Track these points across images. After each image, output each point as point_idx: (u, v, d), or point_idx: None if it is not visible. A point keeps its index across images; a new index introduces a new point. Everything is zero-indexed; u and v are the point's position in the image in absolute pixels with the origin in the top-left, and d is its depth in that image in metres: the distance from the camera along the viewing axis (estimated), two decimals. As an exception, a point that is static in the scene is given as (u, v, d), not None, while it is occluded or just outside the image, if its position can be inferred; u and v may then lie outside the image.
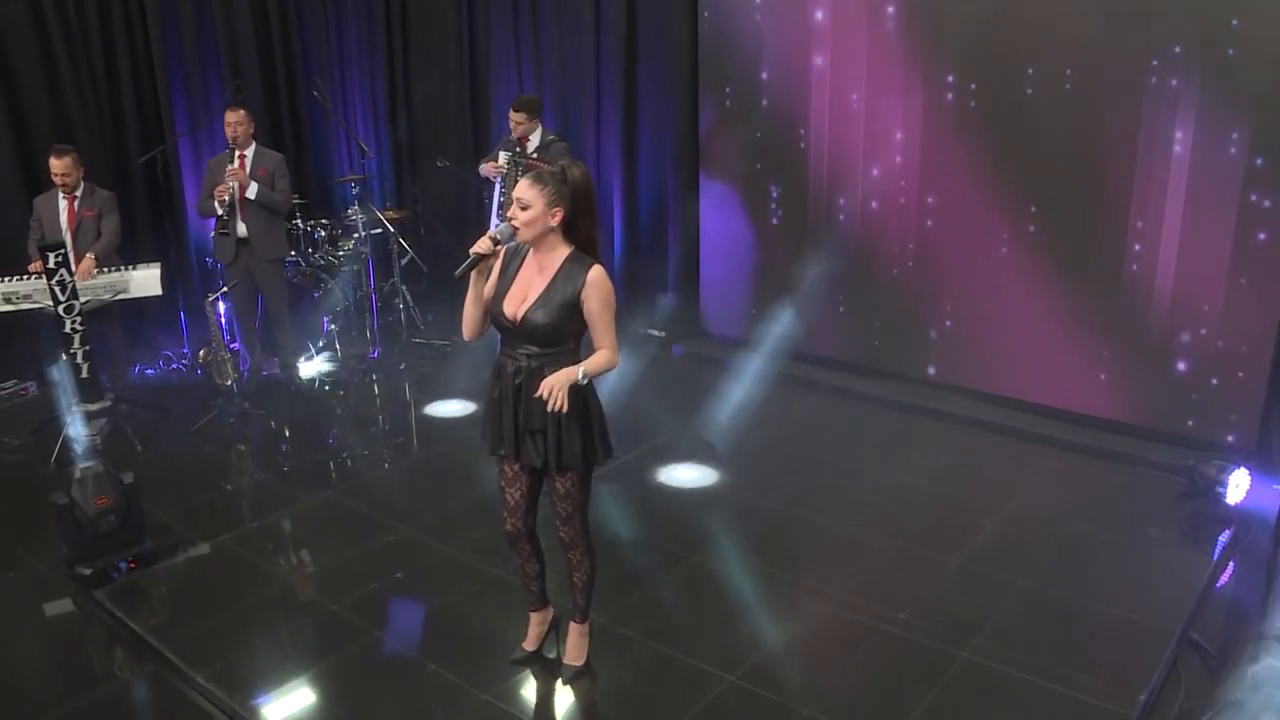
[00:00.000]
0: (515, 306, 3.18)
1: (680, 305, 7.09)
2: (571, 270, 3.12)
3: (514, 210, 3.11)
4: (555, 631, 3.69)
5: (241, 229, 6.04)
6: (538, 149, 6.18)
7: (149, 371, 6.82)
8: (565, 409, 3.03)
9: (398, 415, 6.19)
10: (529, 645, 3.66)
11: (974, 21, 5.41)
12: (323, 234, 7.02)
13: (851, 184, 6.08)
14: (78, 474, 4.38)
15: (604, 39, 6.91)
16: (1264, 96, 4.65)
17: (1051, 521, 4.63)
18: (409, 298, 7.41)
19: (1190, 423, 5.15)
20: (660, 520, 4.76)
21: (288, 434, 5.91)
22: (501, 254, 3.25)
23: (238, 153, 6.01)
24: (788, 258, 6.38)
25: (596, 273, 3.11)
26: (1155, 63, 4.89)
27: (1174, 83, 4.86)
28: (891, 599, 4.00)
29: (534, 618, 3.67)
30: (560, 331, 3.13)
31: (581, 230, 3.17)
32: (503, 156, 6.22)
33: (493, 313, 3.23)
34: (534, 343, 3.17)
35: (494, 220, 6.30)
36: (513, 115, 6.20)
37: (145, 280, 5.68)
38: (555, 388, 3.03)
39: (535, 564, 3.55)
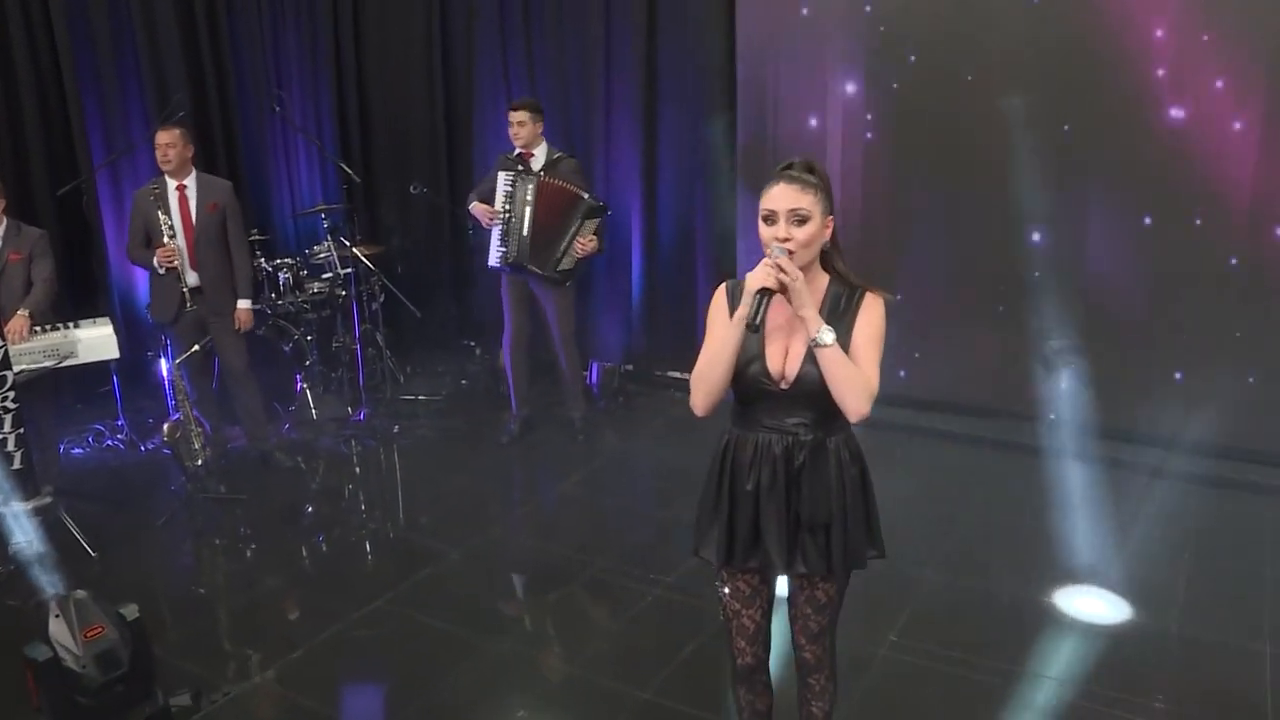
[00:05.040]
0: (780, 362, 2.33)
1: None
2: (840, 304, 2.32)
3: (782, 230, 2.24)
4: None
5: (192, 277, 4.87)
6: (544, 167, 5.23)
7: (76, 451, 5.49)
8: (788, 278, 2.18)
9: (419, 493, 5.06)
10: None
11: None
12: (287, 276, 5.86)
13: (930, 200, 5.43)
14: (54, 611, 3.21)
15: (616, 33, 6.06)
16: None
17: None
18: (386, 348, 6.32)
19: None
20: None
21: (286, 524, 4.74)
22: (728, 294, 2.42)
23: (175, 184, 4.84)
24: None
25: (874, 298, 2.34)
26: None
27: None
28: (1220, 706, 3.23)
29: (761, 761, 2.79)
30: None
31: (833, 248, 2.37)
32: (502, 178, 5.20)
33: (749, 378, 2.34)
34: (809, 408, 2.33)
35: (495, 249, 5.26)
36: (513, 116, 5.19)
37: (97, 342, 4.47)
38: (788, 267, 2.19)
39: (768, 697, 2.71)
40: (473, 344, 7.08)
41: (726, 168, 5.96)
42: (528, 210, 5.11)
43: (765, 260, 2.23)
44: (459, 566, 4.25)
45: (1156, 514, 4.53)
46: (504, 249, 5.22)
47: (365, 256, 6.01)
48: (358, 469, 5.36)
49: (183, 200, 4.84)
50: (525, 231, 5.11)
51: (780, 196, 2.25)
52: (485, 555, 4.38)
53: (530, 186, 5.09)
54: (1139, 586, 3.90)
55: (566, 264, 5.13)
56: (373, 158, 7.07)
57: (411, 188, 6.50)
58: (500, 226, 5.21)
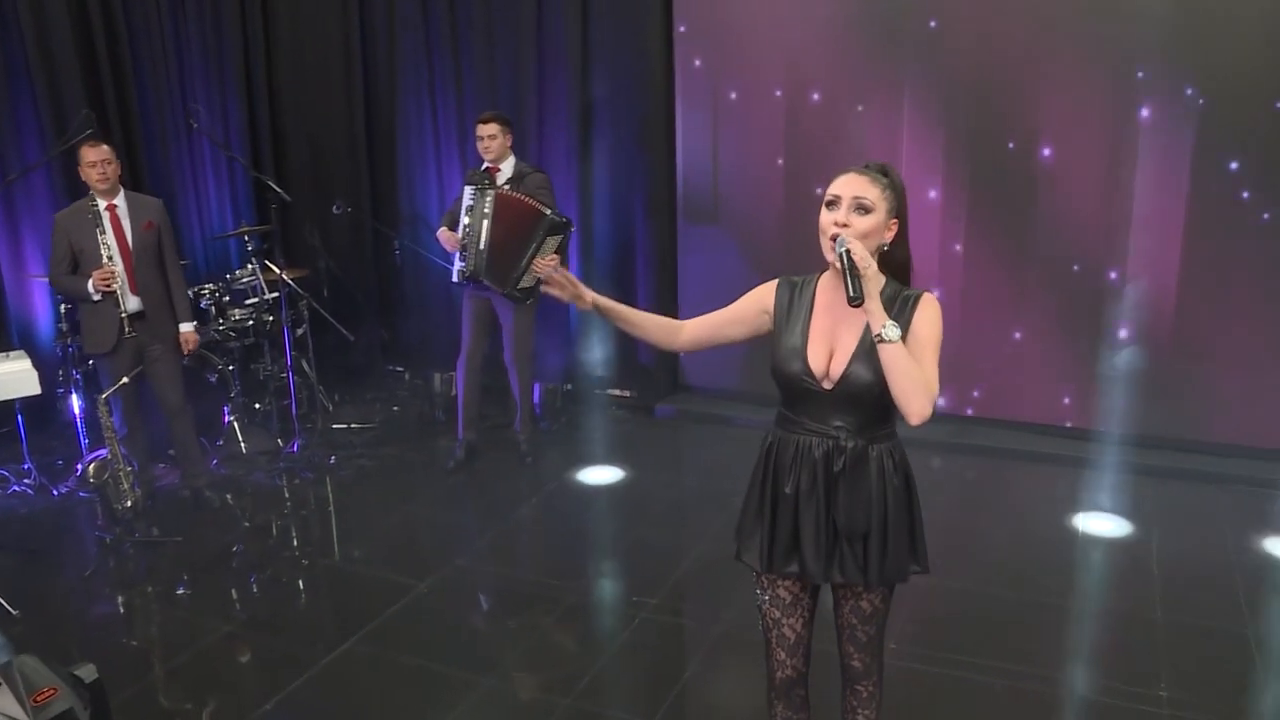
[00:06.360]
0: (824, 361, 2.28)
1: (654, 361, 6.20)
2: (894, 306, 2.25)
3: (842, 215, 2.20)
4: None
5: (134, 302, 4.53)
6: (510, 180, 5.08)
7: (-23, 500, 5.02)
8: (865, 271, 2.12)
9: (371, 526, 4.76)
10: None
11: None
12: (210, 303, 5.51)
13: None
14: (-2, 679, 2.88)
15: (549, 49, 5.95)
16: None
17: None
18: (314, 376, 6.01)
19: None
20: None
21: (230, 566, 4.39)
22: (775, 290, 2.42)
23: (105, 204, 4.49)
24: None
25: (931, 299, 2.28)
26: None
27: None
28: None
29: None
30: (889, 391, 2.21)
31: (897, 253, 2.33)
32: (467, 193, 5.03)
33: (789, 373, 2.30)
34: (852, 411, 2.28)
35: (456, 265, 5.10)
36: (482, 129, 5.02)
37: (13, 377, 4.09)
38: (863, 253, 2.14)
39: (806, 713, 2.62)
40: (401, 369, 6.83)
41: (666, 187, 5.91)
42: (485, 224, 4.93)
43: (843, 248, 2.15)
44: (429, 601, 4.02)
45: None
46: (462, 264, 5.04)
47: (290, 280, 5.70)
48: (300, 503, 5.03)
49: (115, 220, 4.49)
50: (482, 246, 4.93)
51: (847, 183, 2.22)
52: (455, 587, 4.17)
53: (489, 199, 4.92)
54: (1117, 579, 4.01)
55: (526, 282, 4.97)
56: (289, 176, 6.73)
57: (334, 208, 6.24)
58: (463, 237, 5.02)
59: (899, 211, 2.26)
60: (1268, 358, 4.88)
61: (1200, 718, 3.13)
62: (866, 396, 2.24)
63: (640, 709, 3.28)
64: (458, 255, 5.05)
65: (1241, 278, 4.87)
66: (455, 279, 5.13)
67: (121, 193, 4.57)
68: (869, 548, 2.31)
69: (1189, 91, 4.77)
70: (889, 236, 2.26)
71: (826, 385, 2.27)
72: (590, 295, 2.43)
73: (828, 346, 2.29)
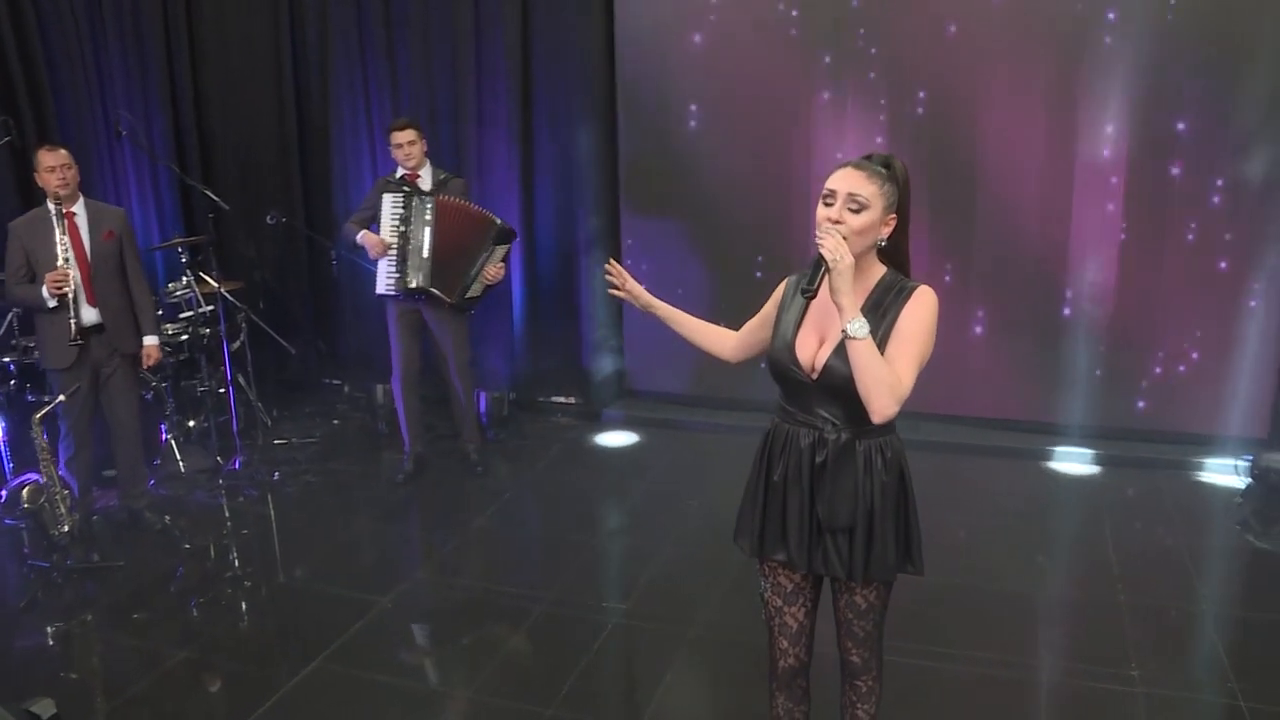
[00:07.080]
0: (811, 352, 2.29)
1: (599, 366, 6.15)
2: (887, 298, 2.27)
3: (836, 213, 2.20)
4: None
5: (91, 314, 4.33)
6: (434, 187, 4.93)
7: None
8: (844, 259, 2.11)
9: (324, 542, 4.60)
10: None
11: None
12: (143, 317, 5.27)
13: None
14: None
15: (487, 47, 5.86)
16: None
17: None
18: (250, 391, 5.81)
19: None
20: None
21: (179, 589, 4.19)
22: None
23: (64, 210, 4.28)
24: (746, 292, 5.70)
25: (924, 292, 2.27)
26: None
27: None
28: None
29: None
30: None
31: (899, 246, 2.33)
32: (389, 200, 4.86)
33: (777, 363, 2.34)
34: (837, 404, 2.28)
35: (385, 275, 4.89)
36: (400, 136, 4.84)
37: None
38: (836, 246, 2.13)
39: (806, 706, 2.62)
40: (339, 382, 6.65)
41: (608, 187, 5.89)
42: (427, 231, 4.81)
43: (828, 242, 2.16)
44: (394, 616, 3.91)
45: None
46: (398, 274, 4.86)
47: (227, 292, 5.50)
48: (248, 522, 4.83)
49: (73, 229, 4.28)
50: (425, 254, 4.80)
51: (842, 179, 2.21)
52: (419, 600, 4.06)
53: (429, 207, 4.80)
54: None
55: (475, 291, 4.89)
56: (218, 185, 6.45)
57: (268, 218, 6.02)
58: (393, 252, 4.83)
59: (900, 205, 2.25)
60: (1206, 347, 5.09)
61: (1170, 693, 3.23)
62: (848, 390, 2.21)
63: (627, 714, 3.24)
64: (387, 264, 4.85)
65: (1177, 269, 5.09)
66: (389, 290, 4.88)
67: (81, 200, 4.37)
68: (853, 543, 2.30)
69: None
70: (886, 232, 2.26)
71: (813, 376, 2.28)
72: (645, 296, 2.60)
73: (818, 338, 2.30)
